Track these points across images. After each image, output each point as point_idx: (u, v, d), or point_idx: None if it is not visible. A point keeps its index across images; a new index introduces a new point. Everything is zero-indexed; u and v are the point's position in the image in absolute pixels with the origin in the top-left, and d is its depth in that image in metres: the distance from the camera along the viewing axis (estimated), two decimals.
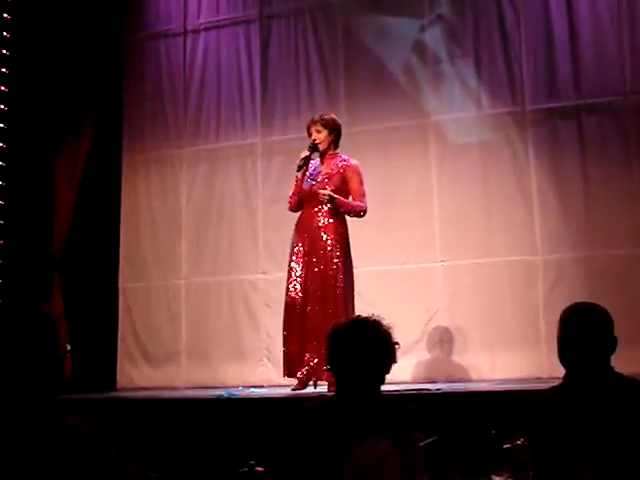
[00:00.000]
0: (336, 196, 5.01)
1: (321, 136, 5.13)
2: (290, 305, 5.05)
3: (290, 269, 5.12)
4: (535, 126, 6.28)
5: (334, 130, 5.18)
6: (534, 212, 6.21)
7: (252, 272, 6.90)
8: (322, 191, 5.00)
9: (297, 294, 5.03)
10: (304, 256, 5.06)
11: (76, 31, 7.17)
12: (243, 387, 6.11)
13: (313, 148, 5.11)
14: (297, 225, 5.16)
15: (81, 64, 7.14)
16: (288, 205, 5.26)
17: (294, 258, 5.09)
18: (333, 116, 5.26)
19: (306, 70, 6.96)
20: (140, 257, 7.26)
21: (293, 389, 5.01)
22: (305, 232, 5.08)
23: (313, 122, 5.17)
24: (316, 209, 5.08)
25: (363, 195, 5.11)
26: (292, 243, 5.16)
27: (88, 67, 7.17)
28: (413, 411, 2.53)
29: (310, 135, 5.18)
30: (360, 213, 5.10)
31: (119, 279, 7.25)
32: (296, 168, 5.16)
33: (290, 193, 5.25)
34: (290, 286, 5.09)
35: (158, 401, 5.21)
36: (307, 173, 5.17)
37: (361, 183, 5.13)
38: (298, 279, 5.06)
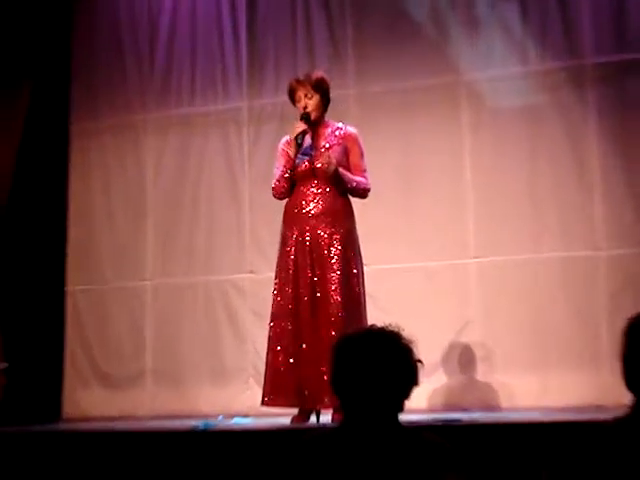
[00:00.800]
0: (341, 169, 5.00)
1: (313, 102, 5.10)
2: (280, 314, 5.03)
3: (281, 269, 5.10)
4: (598, 85, 6.29)
5: (326, 94, 5.17)
6: (595, 195, 6.22)
7: (236, 271, 6.93)
8: (327, 160, 4.96)
9: (290, 299, 5.01)
10: (298, 252, 5.04)
11: None
12: (224, 417, 6.11)
13: (306, 118, 5.08)
14: (287, 213, 5.13)
15: (16, 11, 7.12)
16: (273, 192, 5.22)
17: (286, 253, 5.07)
18: (323, 74, 5.23)
19: (304, 14, 6.96)
20: (93, 253, 7.28)
21: (292, 421, 5.00)
22: (299, 222, 5.05)
23: (300, 84, 5.12)
24: (312, 192, 5.05)
25: (365, 170, 5.11)
26: (282, 237, 5.13)
27: (25, 15, 7.14)
28: (441, 447, 2.52)
29: (296, 101, 5.15)
30: (365, 192, 5.08)
31: (66, 280, 7.28)
32: (293, 146, 5.10)
33: (275, 177, 5.21)
34: (280, 290, 5.07)
35: (116, 434, 5.19)
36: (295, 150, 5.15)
37: (362, 156, 5.13)
38: (291, 281, 5.03)
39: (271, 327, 5.09)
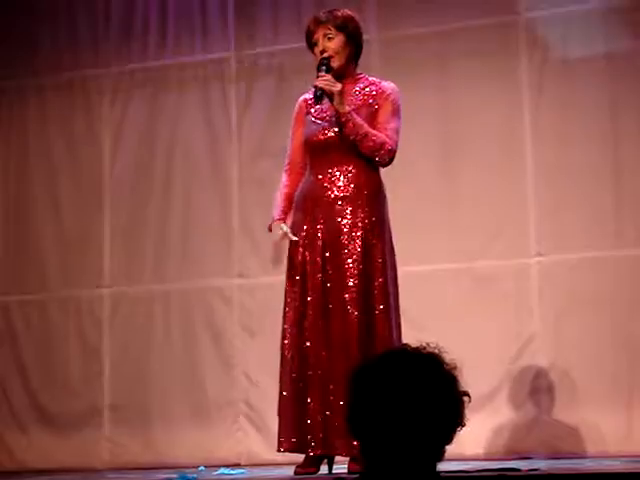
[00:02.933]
0: (348, 108, 4.94)
1: (334, 45, 5.08)
2: (290, 330, 5.02)
3: (290, 273, 5.09)
4: None
5: (354, 37, 5.14)
6: None
7: (222, 275, 6.97)
8: (325, 81, 4.94)
9: (307, 313, 5.00)
10: (316, 247, 5.03)
11: None
12: (206, 467, 6.13)
13: (326, 66, 5.06)
14: (301, 198, 5.13)
15: None
16: (284, 175, 5.21)
17: (300, 252, 5.06)
18: (350, 12, 5.21)
19: None
20: (32, 253, 7.32)
21: (297, 472, 4.99)
22: (316, 209, 5.04)
23: (320, 23, 5.11)
24: (330, 170, 5.05)
25: (395, 132, 5.06)
26: (294, 227, 5.12)
27: None
28: None
29: (314, 45, 5.13)
30: (383, 150, 5.01)
31: None
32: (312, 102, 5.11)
33: (287, 157, 5.22)
34: (293, 301, 5.06)
35: None
36: (311, 113, 5.14)
37: (395, 115, 5.08)
38: (299, 289, 5.03)
39: (282, 346, 5.08)
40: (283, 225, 5.03)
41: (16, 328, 7.26)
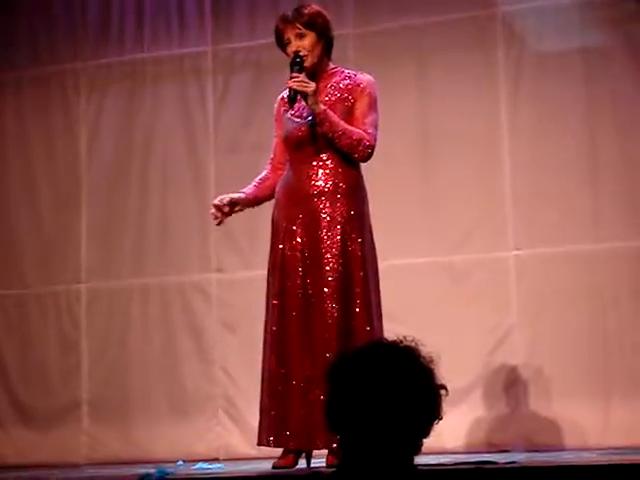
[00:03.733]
0: (323, 107, 4.95)
1: (306, 43, 5.07)
2: (276, 325, 5.04)
3: (271, 269, 5.11)
4: None
5: (324, 32, 5.14)
6: None
7: (200, 270, 6.98)
8: (298, 82, 4.94)
9: (286, 309, 5.02)
10: (296, 242, 5.05)
11: None
12: (184, 462, 6.14)
13: (298, 65, 5.06)
14: (281, 194, 5.14)
15: None
16: (267, 167, 5.23)
17: (280, 248, 5.08)
18: (318, 8, 5.21)
19: None
20: (9, 248, 7.33)
21: (275, 466, 5.01)
22: (294, 204, 5.06)
23: (288, 22, 5.10)
24: (309, 166, 5.07)
25: (373, 126, 5.06)
26: (274, 223, 5.14)
27: None
28: None
29: (285, 45, 5.13)
30: (361, 146, 5.01)
31: None
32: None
33: (272, 150, 5.25)
34: (274, 296, 5.08)
35: None
36: (289, 111, 5.15)
37: (371, 108, 5.08)
38: (288, 284, 5.05)
39: (264, 341, 5.10)
40: (227, 197, 5.07)
41: None
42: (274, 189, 5.15)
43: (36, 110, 7.39)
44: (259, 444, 5.07)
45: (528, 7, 6.55)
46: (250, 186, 5.14)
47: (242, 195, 5.12)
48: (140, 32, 7.26)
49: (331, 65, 5.14)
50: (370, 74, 5.17)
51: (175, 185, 7.11)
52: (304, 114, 5.05)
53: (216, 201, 5.06)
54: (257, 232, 6.16)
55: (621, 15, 6.41)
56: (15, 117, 7.42)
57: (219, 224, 5.11)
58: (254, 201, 5.20)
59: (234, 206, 5.09)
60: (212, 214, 5.07)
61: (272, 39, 6.37)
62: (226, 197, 5.05)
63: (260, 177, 5.18)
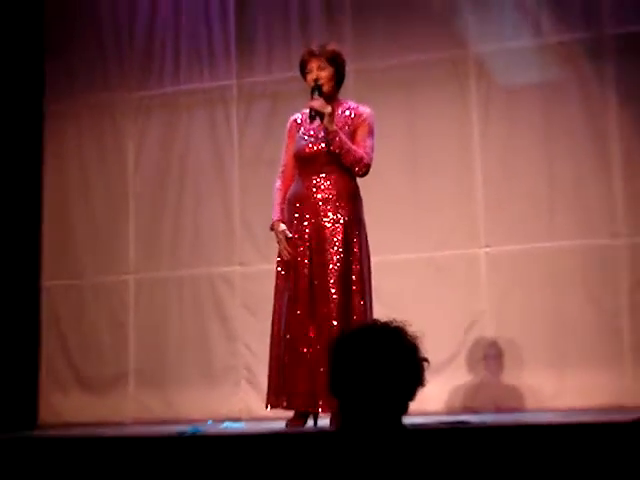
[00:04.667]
0: (335, 127, 4.98)
1: (325, 74, 5.10)
2: (284, 306, 5.04)
3: (280, 261, 5.12)
4: (618, 58, 6.30)
5: (340, 69, 5.17)
6: (615, 178, 6.23)
7: (225, 263, 6.96)
8: (321, 103, 4.96)
9: (288, 294, 5.03)
10: (304, 240, 5.05)
11: None
12: (214, 421, 6.14)
13: (318, 90, 5.08)
14: (290, 200, 5.15)
15: None
16: (278, 180, 5.22)
17: (290, 244, 5.08)
18: (338, 49, 5.24)
19: None
20: (71, 245, 7.31)
21: (288, 425, 5.01)
22: (303, 209, 5.07)
23: (313, 55, 5.13)
24: (315, 177, 5.08)
25: (371, 149, 5.09)
26: (285, 224, 5.14)
27: None
28: (449, 451, 2.53)
29: (307, 73, 5.14)
30: (361, 164, 5.03)
31: (41, 275, 7.30)
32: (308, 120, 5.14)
33: (281, 164, 5.24)
34: (284, 283, 5.08)
35: (97, 441, 5.19)
36: (301, 131, 5.17)
37: (370, 135, 5.12)
38: (290, 275, 5.05)
39: (272, 323, 5.11)
40: (282, 225, 5.07)
41: (57, 308, 7.24)
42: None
43: (92, 131, 7.38)
44: (267, 405, 5.09)
45: (495, 48, 6.52)
46: (278, 210, 5.14)
47: (284, 224, 5.11)
48: (177, 68, 7.25)
49: (339, 97, 5.16)
50: (368, 105, 5.20)
51: (205, 193, 7.10)
52: (313, 134, 5.06)
53: (285, 246, 5.05)
54: (272, 234, 6.15)
55: (572, 56, 6.39)
56: (75, 137, 7.40)
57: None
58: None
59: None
60: (285, 251, 5.04)
61: (285, 74, 6.50)
62: (283, 236, 5.05)
63: (280, 197, 5.16)
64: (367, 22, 6.76)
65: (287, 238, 5.06)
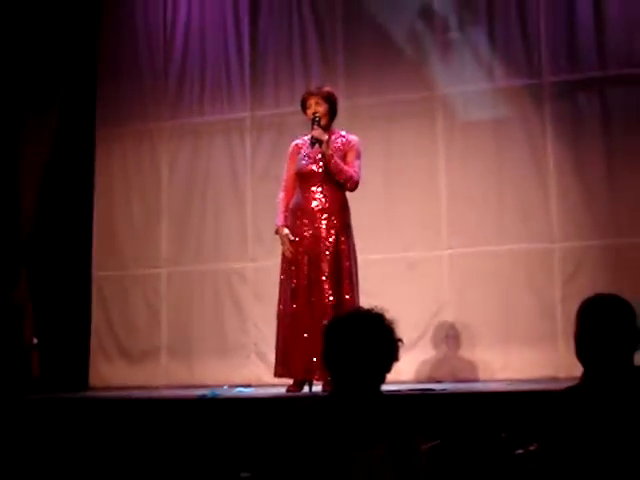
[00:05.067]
0: (331, 151, 5.03)
1: (321, 109, 5.16)
2: (287, 296, 5.06)
3: (284, 259, 5.14)
4: (554, 100, 6.29)
5: (333, 105, 5.23)
6: (551, 195, 6.22)
7: (239, 260, 6.92)
8: (320, 133, 5.01)
9: (291, 285, 5.05)
10: (299, 243, 5.08)
11: None
12: (229, 387, 6.13)
13: (317, 122, 5.12)
14: (292, 209, 5.19)
15: (47, 28, 7.14)
16: (282, 192, 5.24)
17: (293, 242, 5.11)
18: (332, 90, 5.30)
19: (301, 36, 6.94)
20: (115, 243, 7.27)
21: (288, 390, 5.03)
22: (302, 216, 5.11)
23: (311, 94, 5.20)
24: (312, 190, 5.11)
25: (358, 168, 5.14)
26: (288, 228, 5.16)
27: (55, 31, 7.17)
28: (416, 412, 2.55)
29: (307, 108, 5.19)
30: (351, 181, 5.08)
31: (92, 267, 7.27)
32: (309, 146, 5.16)
33: (283, 181, 5.28)
34: (287, 277, 5.10)
35: (135, 402, 5.22)
36: (301, 153, 5.20)
37: (358, 157, 5.18)
38: (292, 269, 5.07)
39: (278, 309, 5.14)
40: (286, 229, 5.09)
41: (104, 294, 7.22)
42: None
43: (133, 152, 7.34)
44: (275, 374, 5.11)
45: (458, 90, 6.50)
46: (282, 217, 5.18)
47: (287, 228, 5.13)
48: (202, 102, 7.21)
49: (333, 128, 5.20)
50: (355, 134, 5.24)
51: (224, 202, 7.06)
52: (311, 156, 5.10)
53: (288, 247, 5.09)
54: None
55: (518, 98, 6.38)
56: (120, 156, 7.36)
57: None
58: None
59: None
60: (288, 251, 5.08)
61: (289, 109, 6.50)
62: (287, 239, 5.09)
63: (283, 206, 5.19)
64: (356, 68, 6.73)
65: (290, 240, 5.09)
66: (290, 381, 5.09)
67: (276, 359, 5.12)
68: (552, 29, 6.33)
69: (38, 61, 7.15)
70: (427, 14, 6.63)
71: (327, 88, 5.27)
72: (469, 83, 6.49)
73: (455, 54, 6.56)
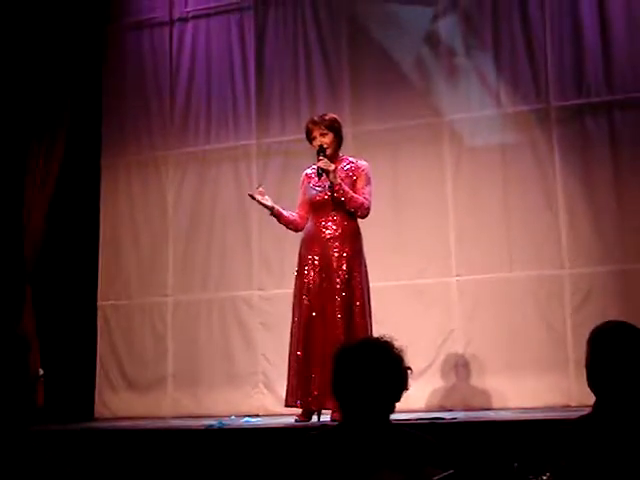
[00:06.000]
0: (339, 181, 5.03)
1: (327, 140, 5.15)
2: (301, 325, 5.04)
3: (301, 284, 5.12)
4: (561, 125, 6.30)
5: (339, 132, 5.22)
6: (560, 221, 6.22)
7: (246, 288, 6.91)
8: (327, 163, 5.02)
9: (309, 312, 5.03)
10: (315, 270, 5.07)
11: (46, 21, 7.22)
12: (236, 416, 6.11)
13: (323, 153, 5.12)
14: (304, 239, 5.20)
15: (53, 59, 7.21)
16: (294, 223, 5.26)
17: (305, 272, 5.09)
18: (335, 116, 5.29)
19: (306, 64, 6.98)
20: (121, 272, 7.28)
21: (297, 420, 5.01)
22: (315, 245, 5.11)
23: (315, 124, 5.18)
24: (324, 219, 5.12)
25: (369, 194, 5.15)
26: (300, 257, 5.17)
27: (61, 62, 7.24)
28: (427, 442, 2.54)
29: (313, 139, 5.19)
30: (362, 208, 5.09)
31: (98, 296, 7.27)
32: (316, 177, 5.18)
33: (297, 208, 5.31)
34: (299, 305, 5.08)
35: (141, 432, 5.21)
36: (311, 183, 5.22)
37: (368, 183, 5.18)
38: (310, 296, 5.05)
39: (292, 334, 5.11)
40: (264, 198, 5.21)
41: (110, 323, 7.21)
42: (296, 225, 5.24)
43: (139, 180, 7.36)
44: (286, 405, 5.08)
45: (465, 117, 6.52)
46: (288, 212, 5.22)
47: (280, 209, 5.19)
48: (208, 130, 7.23)
49: (340, 154, 5.21)
50: (364, 159, 5.25)
51: (230, 230, 7.05)
52: (321, 185, 5.11)
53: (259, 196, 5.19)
54: (285, 264, 6.16)
55: (525, 123, 6.39)
56: (125, 184, 7.38)
57: (255, 194, 5.18)
58: (282, 219, 5.26)
59: (270, 208, 5.17)
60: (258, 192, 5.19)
61: (295, 136, 6.53)
62: (269, 200, 5.19)
63: (294, 214, 5.24)
64: (362, 94, 6.76)
65: (258, 201, 5.20)
66: (299, 410, 5.07)
67: (287, 390, 5.10)
68: (558, 53, 6.36)
69: (44, 90, 7.21)
70: (433, 40, 6.67)
71: (330, 116, 5.25)
72: (476, 108, 6.51)
73: (461, 79, 6.58)
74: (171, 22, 7.42)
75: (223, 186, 7.13)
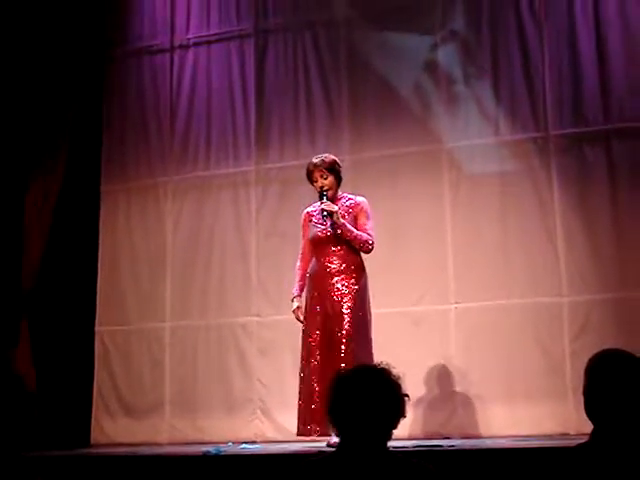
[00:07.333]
0: (342, 220, 5.09)
1: (328, 182, 5.24)
2: (308, 358, 5.08)
3: (306, 319, 5.18)
4: (559, 154, 6.33)
5: (339, 174, 5.31)
6: (558, 248, 6.22)
7: (244, 314, 6.90)
8: (330, 206, 5.07)
9: (313, 346, 5.09)
10: (319, 304, 5.13)
11: (46, 47, 7.26)
12: (233, 443, 6.09)
13: (325, 196, 5.20)
14: (310, 275, 5.28)
15: (53, 84, 7.24)
16: (299, 261, 5.31)
17: (311, 306, 5.17)
18: (335, 158, 5.36)
19: (306, 91, 7.02)
20: (119, 297, 7.27)
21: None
22: (320, 280, 5.17)
23: (316, 167, 5.26)
24: (328, 255, 5.18)
25: (371, 229, 5.22)
26: (308, 291, 5.26)
27: (62, 88, 7.27)
28: (425, 470, 2.53)
29: (314, 182, 5.26)
30: (367, 245, 5.17)
31: (96, 321, 7.26)
32: (321, 220, 5.22)
33: (300, 251, 5.34)
34: (307, 338, 5.13)
35: (138, 458, 5.19)
36: (313, 221, 5.28)
37: (369, 218, 5.27)
38: (317, 330, 5.11)
39: (302, 366, 5.15)
40: (296, 302, 5.23)
41: (108, 348, 7.20)
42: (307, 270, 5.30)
43: (138, 207, 7.38)
44: (298, 434, 5.07)
45: (464, 144, 6.55)
46: (297, 287, 5.30)
47: (300, 293, 5.27)
48: (207, 157, 7.25)
49: (340, 192, 5.26)
50: (361, 193, 5.30)
51: (229, 257, 7.06)
52: (323, 223, 5.15)
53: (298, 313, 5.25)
54: (282, 290, 6.15)
55: (524, 151, 6.42)
56: (125, 211, 7.40)
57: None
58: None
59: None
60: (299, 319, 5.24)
61: (294, 162, 6.55)
62: (295, 314, 5.26)
63: (300, 275, 5.31)
64: (361, 122, 6.79)
65: (297, 318, 5.18)
66: (297, 438, 5.06)
67: (298, 418, 5.10)
68: (557, 83, 6.39)
69: (44, 118, 7.23)
70: (432, 68, 6.71)
71: (330, 158, 5.31)
72: (475, 136, 6.54)
73: (460, 107, 6.61)
74: (172, 49, 7.47)
75: (222, 212, 7.14)
